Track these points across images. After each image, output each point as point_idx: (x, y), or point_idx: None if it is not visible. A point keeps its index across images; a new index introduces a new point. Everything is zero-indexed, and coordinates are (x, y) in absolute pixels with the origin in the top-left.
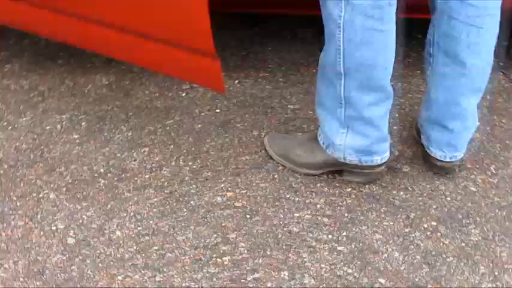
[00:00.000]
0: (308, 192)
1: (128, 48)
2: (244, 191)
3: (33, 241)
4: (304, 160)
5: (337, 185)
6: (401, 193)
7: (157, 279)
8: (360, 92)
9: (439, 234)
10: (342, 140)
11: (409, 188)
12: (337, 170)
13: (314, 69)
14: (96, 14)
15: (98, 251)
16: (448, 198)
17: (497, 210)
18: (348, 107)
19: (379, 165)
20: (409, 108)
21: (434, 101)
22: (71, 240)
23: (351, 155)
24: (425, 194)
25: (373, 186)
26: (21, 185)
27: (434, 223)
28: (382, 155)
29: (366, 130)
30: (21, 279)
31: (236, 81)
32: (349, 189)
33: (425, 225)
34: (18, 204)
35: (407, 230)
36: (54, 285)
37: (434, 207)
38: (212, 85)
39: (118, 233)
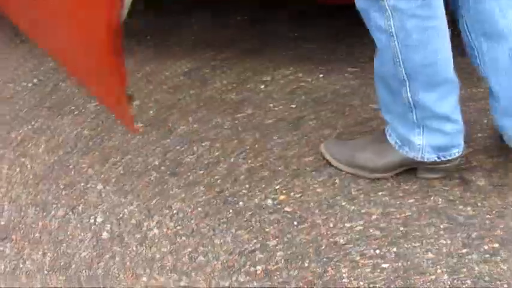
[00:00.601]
0: (366, 201)
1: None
2: (299, 195)
3: (68, 233)
4: (376, 163)
5: (400, 194)
6: (469, 208)
7: (182, 283)
8: (427, 92)
9: (498, 258)
10: (420, 140)
11: (479, 204)
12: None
13: None
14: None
15: (130, 249)
16: None
17: None
18: (419, 109)
19: (456, 158)
20: None
21: (499, 91)
22: (105, 235)
23: (429, 153)
24: (494, 212)
25: (439, 199)
26: (72, 173)
27: (496, 245)
28: (459, 148)
29: (443, 126)
30: (45, 271)
31: (320, 75)
32: (412, 201)
33: (486, 247)
34: (63, 193)
35: (464, 251)
36: (76, 282)
37: (501, 227)
38: (124, 121)
39: (155, 230)
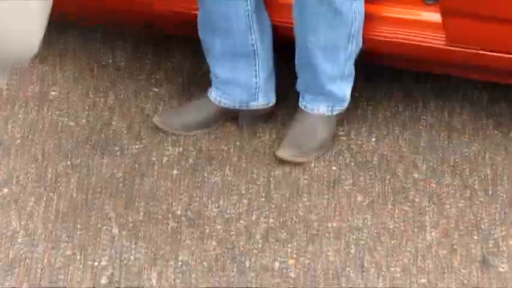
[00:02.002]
0: (376, 275)
1: None
2: (308, 261)
3: (69, 273)
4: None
5: (413, 272)
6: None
7: None
8: None
9: None
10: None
11: None
12: None
13: (470, 137)
14: None
15: None
16: None
17: None
18: None
19: None
20: None
21: None
22: (104, 280)
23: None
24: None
25: (453, 282)
26: (93, 213)
27: None
28: None
29: None
30: None
31: (373, 139)
32: (424, 280)
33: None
34: (78, 233)
35: None
36: None
37: None
38: None
39: (153, 281)
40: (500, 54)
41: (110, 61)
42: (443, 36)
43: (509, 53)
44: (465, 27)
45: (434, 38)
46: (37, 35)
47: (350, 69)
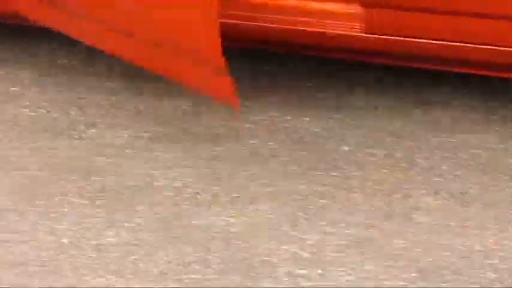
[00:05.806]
0: (303, 231)
1: (140, 53)
2: (247, 219)
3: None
4: None
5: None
6: None
7: (117, 285)
8: None
9: None
10: None
11: None
12: None
13: (389, 113)
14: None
15: (83, 255)
16: None
17: None
18: None
19: None
20: None
21: None
22: (65, 240)
23: None
24: None
25: None
26: (53, 186)
27: None
28: None
29: None
30: None
31: (307, 119)
32: None
33: None
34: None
35: None
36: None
37: None
38: (224, 100)
39: (111, 239)
40: (421, 40)
41: None
42: (362, 25)
43: (430, 39)
44: (386, 17)
45: (352, 27)
46: None
47: None
